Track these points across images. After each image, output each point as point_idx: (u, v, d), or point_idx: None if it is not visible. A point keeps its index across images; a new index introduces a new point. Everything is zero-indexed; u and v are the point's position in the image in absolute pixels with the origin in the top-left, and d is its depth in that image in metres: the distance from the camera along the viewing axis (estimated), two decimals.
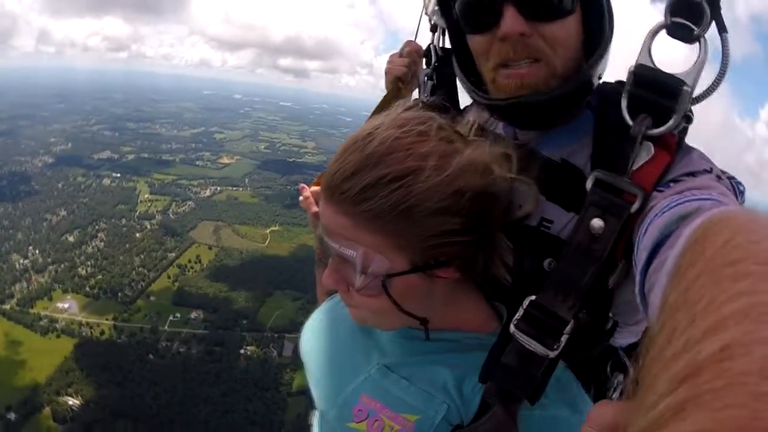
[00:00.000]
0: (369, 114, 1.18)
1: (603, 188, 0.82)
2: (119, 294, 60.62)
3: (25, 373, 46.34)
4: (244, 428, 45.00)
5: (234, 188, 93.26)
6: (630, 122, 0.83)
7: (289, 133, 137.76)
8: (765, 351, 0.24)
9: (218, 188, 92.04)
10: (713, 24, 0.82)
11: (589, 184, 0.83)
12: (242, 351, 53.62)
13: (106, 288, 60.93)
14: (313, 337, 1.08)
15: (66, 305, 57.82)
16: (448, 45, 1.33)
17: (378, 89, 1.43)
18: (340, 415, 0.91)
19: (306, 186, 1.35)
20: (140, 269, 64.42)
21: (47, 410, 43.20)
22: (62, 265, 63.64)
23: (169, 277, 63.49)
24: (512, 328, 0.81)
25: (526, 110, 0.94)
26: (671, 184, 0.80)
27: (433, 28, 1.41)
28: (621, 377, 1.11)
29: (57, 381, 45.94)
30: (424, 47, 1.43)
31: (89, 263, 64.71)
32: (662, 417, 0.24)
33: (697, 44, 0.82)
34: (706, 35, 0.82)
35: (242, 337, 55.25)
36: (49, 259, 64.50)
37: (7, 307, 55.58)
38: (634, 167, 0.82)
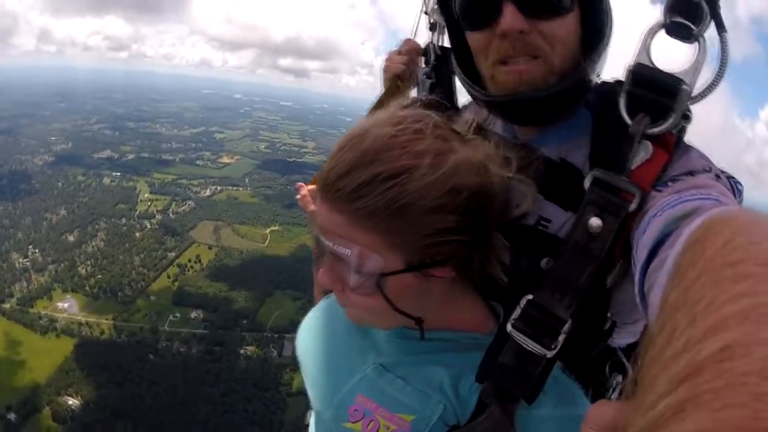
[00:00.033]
0: None
1: (601, 187, 0.82)
2: (119, 293, 60.72)
3: (24, 373, 46.40)
4: (244, 428, 44.99)
5: (234, 188, 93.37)
6: (628, 121, 0.82)
7: (290, 133, 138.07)
8: (765, 352, 0.24)
9: (218, 188, 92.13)
10: (712, 24, 0.81)
11: (587, 183, 0.83)
12: (242, 351, 53.65)
13: (106, 287, 61.03)
14: (309, 337, 1.08)
15: (66, 305, 57.92)
16: (446, 44, 1.34)
17: (378, 89, 1.41)
18: (335, 415, 0.90)
19: (303, 184, 1.35)
20: (140, 269, 64.50)
21: (47, 410, 43.22)
22: (62, 265, 63.75)
23: (168, 277, 63.55)
24: (509, 327, 0.81)
25: (525, 106, 0.94)
26: (670, 183, 0.80)
27: (432, 27, 1.42)
28: (620, 378, 1.11)
29: (57, 381, 45.99)
30: (423, 46, 1.43)
31: (89, 262, 64.84)
32: (662, 417, 0.24)
33: (696, 44, 0.82)
34: (705, 35, 0.81)
35: (242, 337, 55.26)
36: (49, 259, 64.62)
37: (7, 306, 55.67)
38: (633, 166, 0.82)
